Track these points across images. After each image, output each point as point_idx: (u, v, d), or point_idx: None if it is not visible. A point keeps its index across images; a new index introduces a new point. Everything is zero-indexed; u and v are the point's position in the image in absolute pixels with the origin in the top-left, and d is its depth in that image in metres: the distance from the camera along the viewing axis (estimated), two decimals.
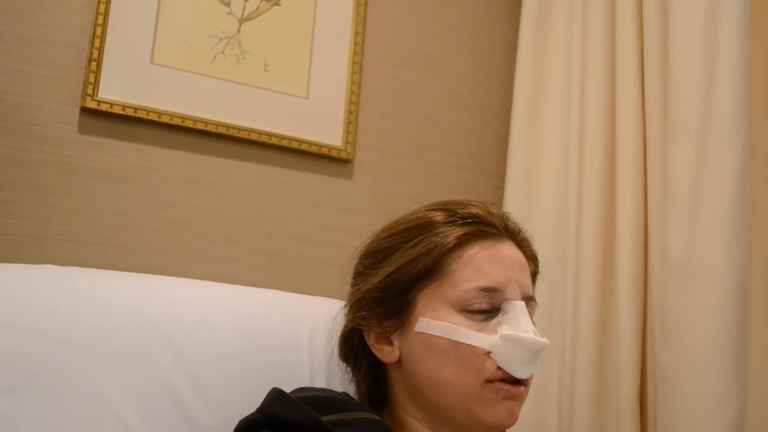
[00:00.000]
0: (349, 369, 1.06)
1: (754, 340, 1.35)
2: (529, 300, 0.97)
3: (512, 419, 0.92)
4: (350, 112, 1.63)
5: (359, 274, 1.03)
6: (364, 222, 1.62)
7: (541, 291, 1.63)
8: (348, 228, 1.60)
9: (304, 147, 1.57)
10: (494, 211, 1.01)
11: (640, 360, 1.52)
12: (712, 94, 1.36)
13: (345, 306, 1.06)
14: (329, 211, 1.60)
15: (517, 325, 0.92)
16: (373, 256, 1.01)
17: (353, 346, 1.02)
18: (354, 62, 1.65)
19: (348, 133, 1.62)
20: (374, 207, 1.65)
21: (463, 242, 0.95)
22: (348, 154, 1.61)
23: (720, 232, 1.32)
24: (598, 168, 1.62)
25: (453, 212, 0.98)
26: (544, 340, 0.92)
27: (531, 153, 1.75)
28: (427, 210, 1.01)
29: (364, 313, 0.98)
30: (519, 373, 0.91)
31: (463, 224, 0.96)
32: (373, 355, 0.99)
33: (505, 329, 0.91)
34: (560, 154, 1.72)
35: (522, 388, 0.93)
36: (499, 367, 0.91)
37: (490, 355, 0.90)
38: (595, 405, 1.54)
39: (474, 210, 0.99)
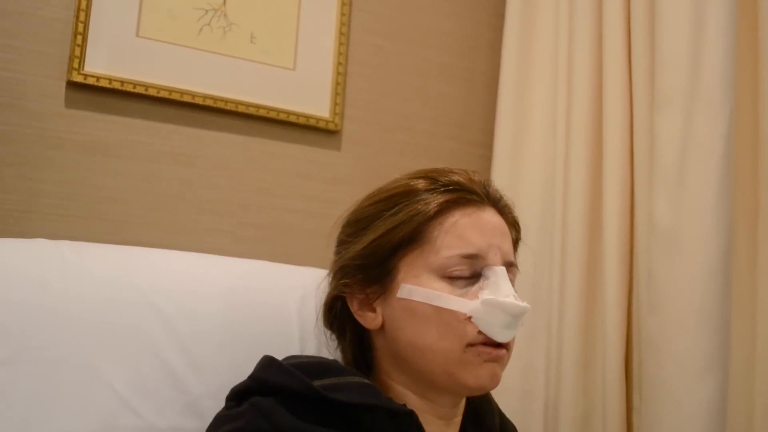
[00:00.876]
0: (334, 336, 1.07)
1: (738, 306, 1.37)
2: (510, 266, 0.98)
3: (494, 381, 0.94)
4: (337, 83, 1.63)
5: (342, 243, 1.04)
6: (352, 193, 1.59)
7: (528, 259, 1.65)
8: (336, 199, 1.60)
9: (292, 118, 1.57)
10: (476, 178, 1.01)
11: (626, 327, 1.54)
12: (699, 63, 1.36)
13: (328, 274, 1.06)
14: (317, 182, 1.61)
15: (497, 290, 0.93)
16: (355, 224, 1.02)
17: (337, 314, 1.03)
18: (341, 33, 1.64)
19: (335, 104, 1.62)
20: (362, 177, 1.65)
21: (444, 209, 0.96)
22: (336, 125, 1.62)
23: (706, 200, 1.33)
24: (585, 137, 1.63)
25: (434, 180, 0.99)
26: (525, 304, 0.93)
27: (518, 123, 1.76)
28: (409, 178, 1.01)
29: (347, 280, 0.99)
30: (500, 337, 0.92)
31: (445, 191, 0.97)
32: (356, 322, 1.00)
33: (486, 294, 0.92)
34: (548, 123, 1.73)
35: (503, 350, 0.94)
36: (480, 332, 0.92)
37: (471, 319, 0.92)
38: (581, 372, 1.56)
39: (455, 177, 0.99)
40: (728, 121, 1.34)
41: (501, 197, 1.03)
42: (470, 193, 0.98)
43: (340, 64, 1.63)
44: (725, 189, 1.34)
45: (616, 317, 1.51)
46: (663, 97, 1.41)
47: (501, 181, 1.73)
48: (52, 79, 1.36)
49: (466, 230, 0.95)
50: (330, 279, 1.05)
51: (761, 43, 1.36)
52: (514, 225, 1.04)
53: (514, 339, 0.96)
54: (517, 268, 1.00)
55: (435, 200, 0.96)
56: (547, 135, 1.72)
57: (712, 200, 1.33)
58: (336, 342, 1.07)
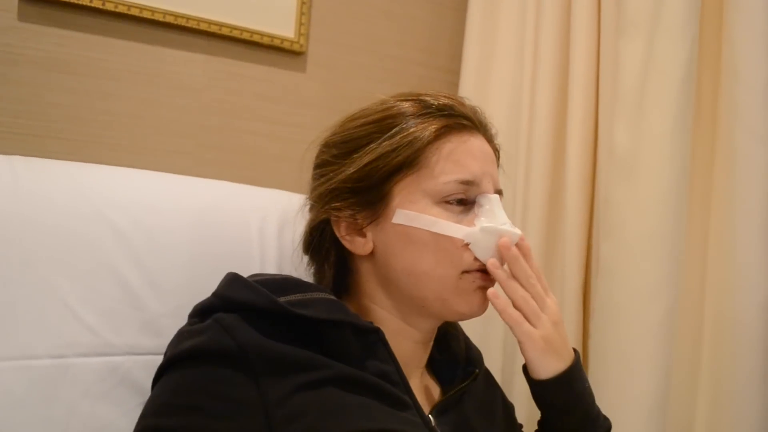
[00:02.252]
0: (311, 262, 1.06)
1: (691, 232, 1.40)
2: (499, 193, 0.99)
3: (484, 307, 0.96)
4: (303, 3, 1.58)
5: (326, 164, 1.01)
6: (317, 116, 1.60)
7: None
8: (300, 122, 1.58)
9: (256, 38, 1.53)
10: (466, 103, 1.01)
11: (585, 253, 1.56)
12: None
13: (309, 198, 1.04)
14: (281, 105, 1.58)
15: (494, 217, 0.94)
16: (342, 146, 0.99)
17: (322, 238, 1.01)
18: None
19: (301, 24, 1.58)
20: (327, 101, 1.63)
21: (441, 134, 0.95)
22: (301, 46, 1.58)
23: (664, 126, 1.34)
24: (551, 63, 1.62)
25: (427, 103, 0.98)
26: (519, 231, 0.95)
27: (485, 48, 1.74)
28: (398, 100, 0.99)
29: (337, 203, 0.97)
30: None
31: (440, 116, 0.96)
32: (341, 246, 0.99)
33: (483, 222, 0.93)
34: (515, 50, 1.71)
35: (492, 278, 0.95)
36: (476, 259, 0.93)
37: (468, 246, 0.93)
38: None
39: (447, 101, 0.98)
40: (690, 47, 1.34)
41: (488, 125, 1.03)
42: (464, 118, 0.98)
43: None
44: (684, 116, 1.35)
45: (575, 242, 1.54)
46: (627, 22, 1.40)
47: None
48: None
49: (463, 156, 0.95)
50: (312, 203, 1.03)
51: None
52: (497, 152, 1.05)
53: None
54: (503, 195, 1.01)
55: (431, 125, 0.95)
56: (514, 61, 1.71)
57: (669, 126, 1.34)
58: (312, 266, 1.06)
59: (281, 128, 1.57)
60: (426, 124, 0.95)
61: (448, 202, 0.94)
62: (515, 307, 0.94)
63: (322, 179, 1.00)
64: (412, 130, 0.95)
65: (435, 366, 1.07)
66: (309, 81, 1.62)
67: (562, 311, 1.50)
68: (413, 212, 0.93)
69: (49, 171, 1.07)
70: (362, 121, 0.99)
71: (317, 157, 1.04)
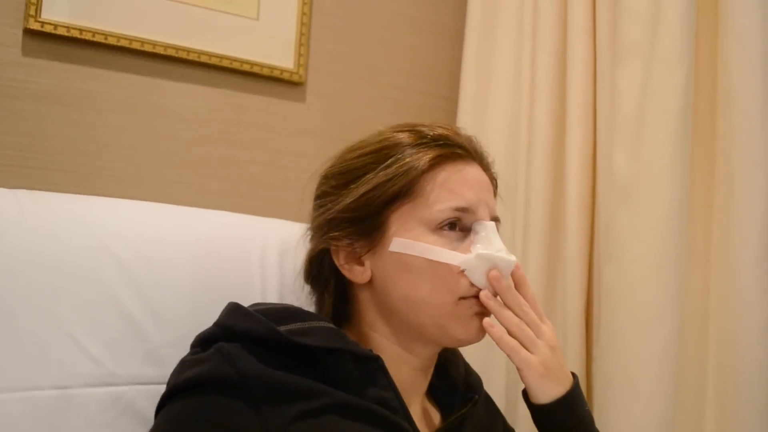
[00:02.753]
0: (312, 291, 1.07)
1: (693, 257, 1.40)
2: (496, 220, 1.01)
3: (482, 333, 0.96)
4: (302, 34, 1.61)
5: (325, 195, 1.02)
6: (317, 145, 1.62)
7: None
8: (300, 151, 1.60)
9: (256, 69, 1.55)
10: (461, 133, 1.03)
11: (587, 277, 1.57)
12: (659, 16, 1.38)
13: (309, 228, 1.06)
14: (281, 135, 1.60)
15: (489, 244, 0.95)
16: (340, 177, 1.01)
17: (322, 267, 1.03)
18: None
19: (300, 55, 1.60)
20: (327, 130, 1.65)
21: (436, 164, 0.97)
22: (300, 76, 1.60)
23: (663, 152, 1.36)
24: (549, 91, 1.63)
25: (422, 134, 1.00)
26: (514, 258, 0.97)
27: (483, 76, 1.76)
28: (395, 131, 1.01)
29: (335, 233, 0.99)
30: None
31: (435, 146, 0.98)
32: (340, 275, 1.01)
33: (479, 248, 0.94)
34: (512, 77, 1.73)
35: None
36: (472, 285, 0.94)
37: (464, 273, 0.94)
38: None
39: (442, 131, 1.00)
40: (686, 74, 1.36)
41: (484, 154, 1.05)
42: (459, 147, 1.00)
43: (304, 14, 1.61)
44: (683, 141, 1.36)
45: (577, 267, 1.54)
46: (624, 50, 1.42)
47: None
48: (8, 26, 1.32)
49: (458, 184, 0.97)
50: (312, 233, 1.05)
51: None
52: (493, 181, 1.06)
53: None
54: (500, 222, 1.03)
55: (426, 155, 0.97)
56: (512, 88, 1.72)
57: (669, 152, 1.35)
58: (313, 296, 1.08)
59: (282, 157, 1.59)
60: (421, 154, 0.97)
61: (443, 230, 0.95)
62: (511, 335, 0.95)
63: (322, 209, 1.02)
64: (407, 160, 0.96)
65: (435, 392, 1.08)
66: (309, 111, 1.64)
67: (564, 336, 1.51)
68: (409, 240, 0.95)
69: (54, 204, 1.08)
70: (359, 152, 1.01)
71: (317, 188, 1.05)
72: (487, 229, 0.97)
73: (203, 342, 0.91)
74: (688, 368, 1.40)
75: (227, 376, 0.82)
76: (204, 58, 1.49)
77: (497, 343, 0.95)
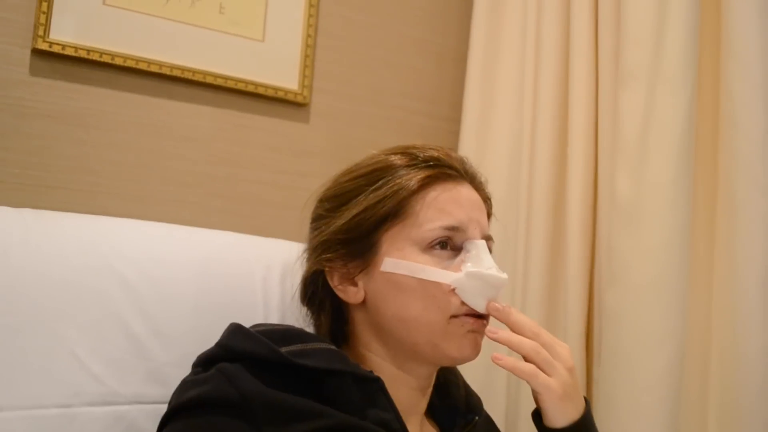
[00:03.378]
0: (309, 312, 1.08)
1: (695, 279, 1.40)
2: (488, 239, 1.01)
3: (476, 351, 0.96)
4: (307, 56, 1.62)
5: (320, 218, 1.04)
6: (321, 166, 1.63)
7: (494, 231, 1.66)
8: (304, 171, 1.61)
9: (260, 90, 1.56)
10: (453, 154, 1.04)
11: (587, 299, 1.57)
12: (662, 40, 1.39)
13: (305, 250, 1.07)
14: (286, 155, 1.61)
15: (480, 262, 0.95)
16: (334, 200, 1.02)
17: (317, 289, 1.04)
18: (311, 5, 1.63)
19: (304, 76, 1.62)
20: (331, 151, 1.66)
21: (425, 184, 0.98)
22: (304, 97, 1.61)
23: (666, 175, 1.36)
24: (551, 113, 1.65)
25: (414, 156, 1.01)
26: (505, 276, 0.97)
27: (486, 98, 1.77)
28: (387, 154, 1.03)
29: (329, 255, 1.00)
30: (483, 308, 0.95)
31: (425, 167, 0.99)
32: (335, 296, 1.02)
33: (469, 267, 0.95)
34: (515, 98, 1.74)
35: (484, 321, 0.97)
36: (463, 303, 0.94)
37: (455, 291, 0.94)
38: None
39: (434, 153, 1.01)
40: (689, 98, 1.37)
41: (476, 174, 1.06)
42: (449, 168, 1.01)
43: (309, 36, 1.63)
44: (685, 165, 1.36)
45: (578, 289, 1.54)
46: (626, 73, 1.43)
47: (468, 154, 1.72)
48: (16, 46, 1.34)
49: (447, 204, 0.98)
50: (308, 255, 1.06)
51: (723, 21, 1.38)
52: (487, 200, 1.07)
53: None
54: (492, 241, 1.03)
55: (416, 176, 0.98)
56: (514, 110, 1.74)
57: (671, 175, 1.36)
58: (310, 317, 1.08)
59: (285, 177, 1.60)
60: (411, 175, 0.98)
61: (434, 249, 0.96)
62: (528, 359, 0.93)
63: (316, 232, 1.03)
64: (398, 181, 0.98)
65: (435, 413, 1.08)
66: (313, 131, 1.65)
67: None
68: (400, 260, 0.95)
69: (59, 224, 1.09)
70: (352, 175, 1.03)
71: (313, 211, 1.07)
72: (477, 248, 0.97)
73: (205, 362, 0.91)
74: (691, 390, 1.40)
75: (229, 396, 0.83)
76: (209, 79, 1.50)
77: (513, 372, 0.92)
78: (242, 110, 1.56)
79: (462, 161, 1.04)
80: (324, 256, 1.00)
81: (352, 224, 0.98)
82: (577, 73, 1.59)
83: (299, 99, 1.61)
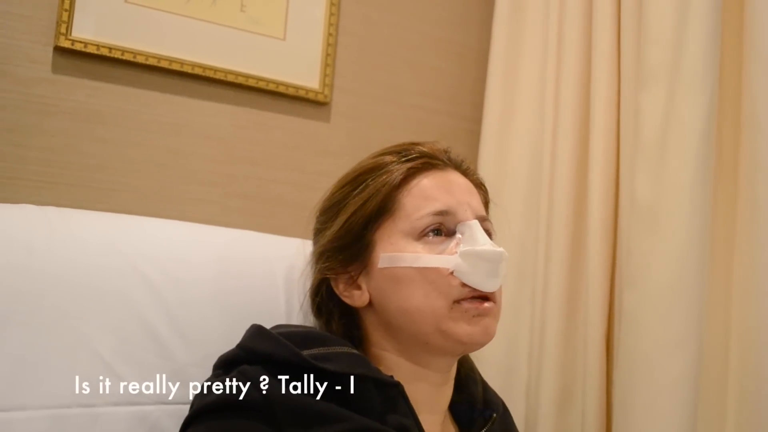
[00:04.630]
0: (320, 323, 1.08)
1: (714, 282, 1.39)
2: (482, 220, 1.00)
3: (488, 335, 0.96)
4: (328, 55, 1.62)
5: (317, 232, 1.07)
6: (341, 165, 1.59)
7: (515, 235, 1.65)
8: (324, 171, 1.60)
9: (281, 89, 1.56)
10: (437, 146, 1.05)
11: (608, 302, 1.56)
12: (683, 40, 1.37)
13: (309, 263, 1.09)
14: (306, 154, 1.61)
15: (474, 241, 0.95)
16: (328, 211, 1.05)
17: (323, 298, 1.05)
18: (332, 3, 1.63)
19: (325, 75, 1.61)
20: (351, 150, 1.65)
21: (409, 176, 0.99)
22: (325, 96, 1.61)
23: (685, 177, 1.35)
24: (572, 113, 1.63)
25: (398, 153, 1.02)
26: (501, 249, 0.96)
27: (507, 98, 1.76)
28: (374, 156, 1.05)
29: (328, 263, 1.01)
30: (485, 287, 0.94)
31: (407, 160, 1.01)
32: (343, 303, 1.02)
33: (462, 247, 0.95)
34: (536, 99, 1.73)
35: (491, 303, 0.96)
36: (464, 284, 0.94)
37: (454, 273, 0.94)
38: (563, 345, 1.58)
39: (418, 147, 1.03)
40: (710, 99, 1.35)
41: (463, 161, 1.06)
42: (432, 158, 1.02)
43: (330, 35, 1.62)
44: (705, 166, 1.35)
45: (599, 292, 1.53)
46: (647, 74, 1.42)
47: (488, 155, 1.74)
48: (39, 44, 1.34)
49: (434, 190, 0.98)
50: (311, 268, 1.07)
51: (746, 22, 1.37)
52: (480, 186, 1.08)
53: (500, 291, 0.99)
54: (490, 222, 1.03)
55: (399, 170, 0.99)
56: (536, 110, 1.73)
57: (691, 177, 1.34)
58: (325, 327, 1.08)
59: (306, 177, 1.60)
60: (394, 170, 0.99)
61: (427, 237, 0.96)
62: None
63: (316, 246, 1.06)
64: (381, 178, 0.99)
65: (454, 408, 1.08)
66: (333, 130, 1.65)
67: (584, 360, 1.51)
68: (395, 253, 0.96)
69: (83, 223, 1.10)
70: (340, 183, 1.05)
71: (314, 227, 1.09)
72: (471, 228, 0.97)
73: (226, 364, 0.92)
74: (709, 394, 1.39)
75: (251, 399, 0.83)
76: (230, 77, 1.50)
77: None
78: (263, 109, 1.56)
79: (446, 150, 1.05)
80: (324, 265, 1.02)
81: (344, 229, 1.00)
82: (598, 73, 1.58)
83: (320, 98, 1.60)
